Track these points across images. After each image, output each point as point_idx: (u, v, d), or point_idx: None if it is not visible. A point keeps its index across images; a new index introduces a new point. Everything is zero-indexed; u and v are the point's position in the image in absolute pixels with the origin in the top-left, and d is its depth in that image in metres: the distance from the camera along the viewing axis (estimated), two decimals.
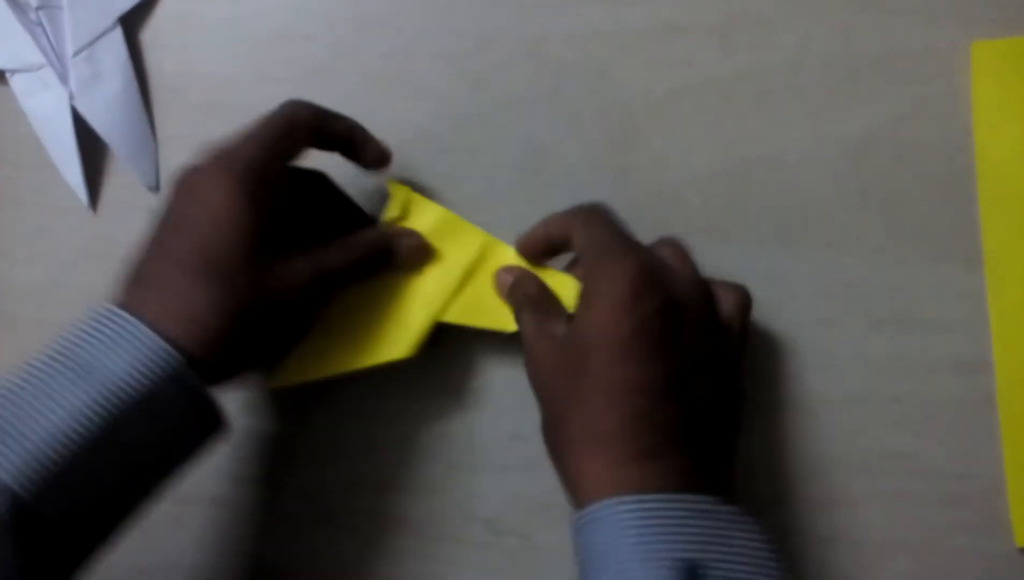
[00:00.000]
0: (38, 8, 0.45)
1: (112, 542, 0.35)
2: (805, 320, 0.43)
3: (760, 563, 0.32)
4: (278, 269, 0.36)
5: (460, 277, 0.42)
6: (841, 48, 0.44)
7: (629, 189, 0.44)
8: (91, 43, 0.45)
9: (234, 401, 0.44)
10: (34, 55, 0.45)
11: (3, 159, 0.47)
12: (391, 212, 0.43)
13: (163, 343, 0.33)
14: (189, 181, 0.37)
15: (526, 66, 0.45)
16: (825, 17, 0.44)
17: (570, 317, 0.37)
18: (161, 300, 0.34)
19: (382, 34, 0.46)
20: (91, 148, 0.46)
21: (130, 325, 0.33)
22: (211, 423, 0.36)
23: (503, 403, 0.43)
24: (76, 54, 0.45)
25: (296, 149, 0.39)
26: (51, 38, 0.45)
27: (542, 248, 0.41)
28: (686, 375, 0.34)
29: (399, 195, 0.43)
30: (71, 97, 0.45)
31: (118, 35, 0.45)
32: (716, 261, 0.43)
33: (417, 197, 0.43)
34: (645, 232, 0.43)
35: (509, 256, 0.43)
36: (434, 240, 0.43)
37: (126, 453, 0.33)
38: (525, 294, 0.40)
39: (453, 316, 0.42)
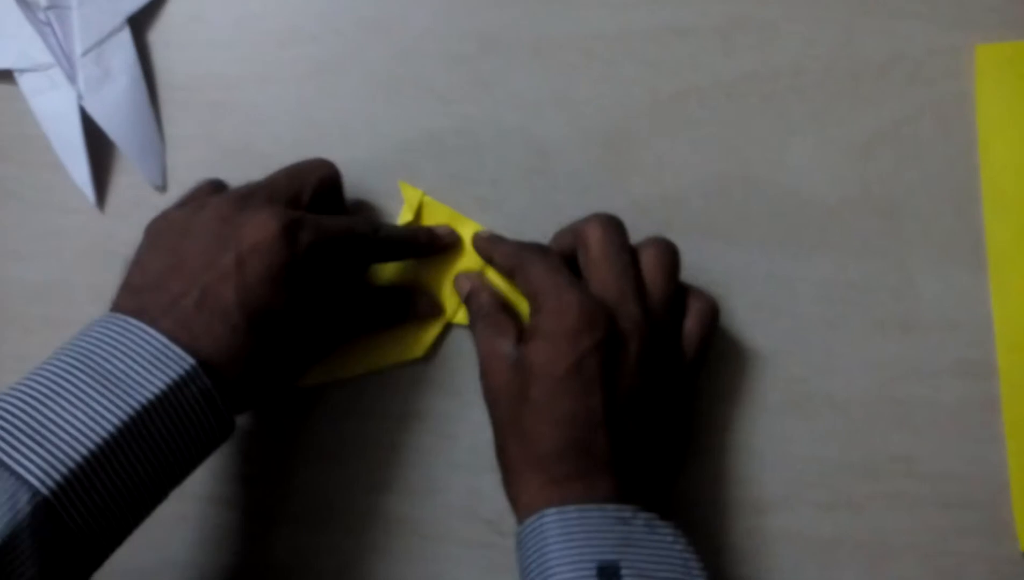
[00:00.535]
0: (47, 8, 0.45)
1: (123, 542, 0.35)
2: (808, 322, 0.43)
3: (674, 564, 0.34)
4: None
5: None
6: (845, 51, 0.44)
7: (632, 190, 0.44)
8: (100, 43, 0.45)
9: None
10: (43, 54, 0.45)
11: (11, 158, 0.47)
12: (405, 215, 0.44)
13: (177, 349, 0.34)
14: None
15: (530, 68, 0.45)
16: (829, 20, 0.44)
17: (522, 334, 0.38)
18: (174, 308, 0.35)
19: (388, 35, 0.46)
20: (99, 147, 0.46)
21: (143, 332, 0.34)
22: (224, 428, 0.36)
23: None
24: (85, 54, 0.45)
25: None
26: (60, 38, 0.46)
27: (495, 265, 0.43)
28: (621, 406, 0.36)
29: (412, 198, 0.44)
30: (79, 97, 0.45)
31: (126, 35, 0.46)
32: (718, 263, 0.43)
33: (429, 200, 0.44)
34: (648, 233, 0.43)
35: None
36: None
37: (145, 456, 0.33)
38: (479, 306, 0.41)
39: (462, 317, 0.43)
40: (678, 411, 0.39)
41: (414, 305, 0.43)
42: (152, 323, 0.35)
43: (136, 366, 0.33)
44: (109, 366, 0.33)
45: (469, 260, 0.44)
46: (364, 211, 0.45)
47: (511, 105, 0.45)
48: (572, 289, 0.37)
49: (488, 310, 0.41)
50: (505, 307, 0.41)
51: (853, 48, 0.44)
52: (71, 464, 0.31)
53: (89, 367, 0.33)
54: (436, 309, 0.43)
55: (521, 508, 0.36)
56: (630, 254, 0.39)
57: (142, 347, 0.34)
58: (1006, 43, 0.43)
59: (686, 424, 0.40)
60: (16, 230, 0.47)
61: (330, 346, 0.42)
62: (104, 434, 0.32)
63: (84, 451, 0.31)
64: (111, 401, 0.32)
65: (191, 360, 0.34)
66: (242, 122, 0.46)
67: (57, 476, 0.31)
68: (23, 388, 0.33)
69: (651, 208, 0.44)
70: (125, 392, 0.33)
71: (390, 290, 0.44)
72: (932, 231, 0.43)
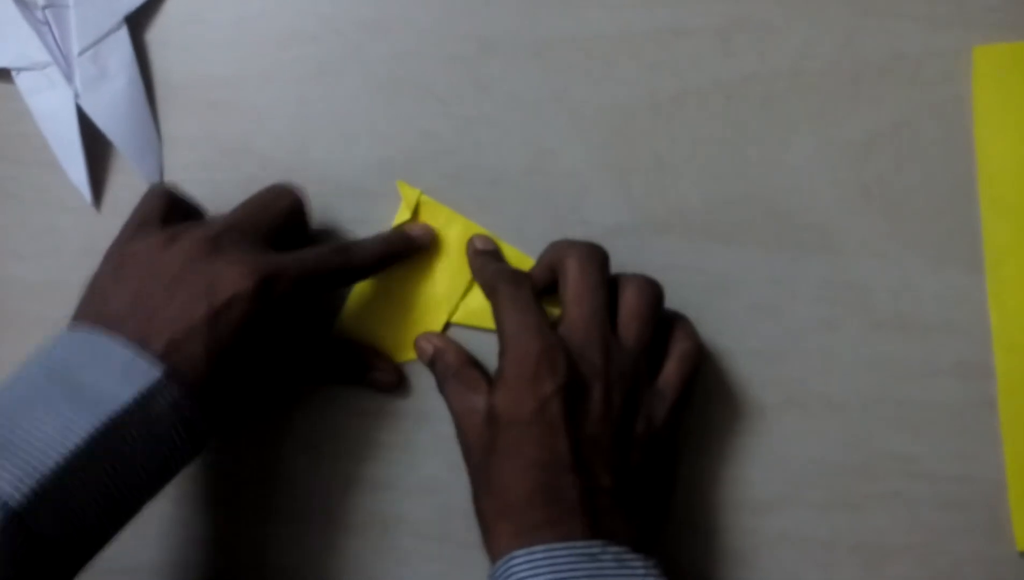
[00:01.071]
0: (44, 7, 0.45)
1: (98, 553, 0.34)
2: (806, 323, 0.43)
3: None
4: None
5: (469, 278, 0.43)
6: (843, 52, 0.44)
7: (632, 191, 0.44)
8: (97, 42, 0.45)
9: None
10: (40, 53, 0.45)
11: (8, 157, 0.47)
12: (402, 215, 0.44)
13: (144, 360, 0.34)
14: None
15: (530, 69, 0.45)
16: (827, 21, 0.44)
17: (491, 385, 0.39)
18: (147, 319, 0.35)
19: (387, 36, 0.46)
20: (96, 147, 0.46)
21: (111, 343, 0.34)
22: (196, 440, 0.36)
23: None
24: (82, 53, 0.45)
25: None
26: (57, 37, 0.45)
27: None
28: (587, 451, 0.36)
29: (409, 197, 0.44)
30: (76, 96, 0.45)
31: (124, 34, 0.46)
32: (717, 263, 0.43)
33: (427, 200, 0.44)
34: (647, 234, 0.44)
35: (514, 259, 0.43)
36: (444, 241, 0.44)
37: (116, 468, 0.33)
38: (446, 366, 0.41)
39: (460, 317, 0.43)
40: (655, 458, 0.38)
41: (372, 370, 0.43)
42: (113, 330, 0.35)
43: (105, 377, 0.33)
44: (78, 378, 0.33)
45: (462, 258, 0.44)
46: (331, 237, 0.45)
47: (510, 106, 0.45)
48: (536, 334, 0.37)
49: (456, 368, 0.41)
50: (472, 362, 0.42)
51: (852, 49, 0.44)
52: (40, 476, 0.31)
53: (57, 379, 0.33)
54: (394, 378, 0.43)
55: (495, 556, 0.36)
56: (605, 294, 0.39)
57: (110, 359, 0.34)
58: (1004, 44, 0.43)
59: (667, 471, 0.39)
60: (13, 229, 0.46)
61: (293, 377, 0.43)
62: (72, 446, 0.32)
63: (53, 463, 0.31)
64: (79, 413, 0.32)
65: (159, 371, 0.34)
66: (240, 122, 0.46)
67: (26, 488, 0.31)
68: None
69: (650, 209, 0.44)
70: (94, 403, 0.33)
71: (349, 349, 0.43)
72: (930, 232, 0.43)
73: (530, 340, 0.37)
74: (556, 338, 0.37)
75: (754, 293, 0.43)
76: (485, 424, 0.38)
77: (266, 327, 0.37)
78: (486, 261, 0.42)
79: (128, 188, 0.46)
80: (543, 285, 0.41)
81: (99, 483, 0.32)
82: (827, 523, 0.42)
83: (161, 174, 0.46)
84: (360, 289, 0.44)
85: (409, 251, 0.43)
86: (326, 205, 0.45)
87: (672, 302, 0.41)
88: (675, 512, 0.41)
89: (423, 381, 0.44)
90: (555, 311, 0.41)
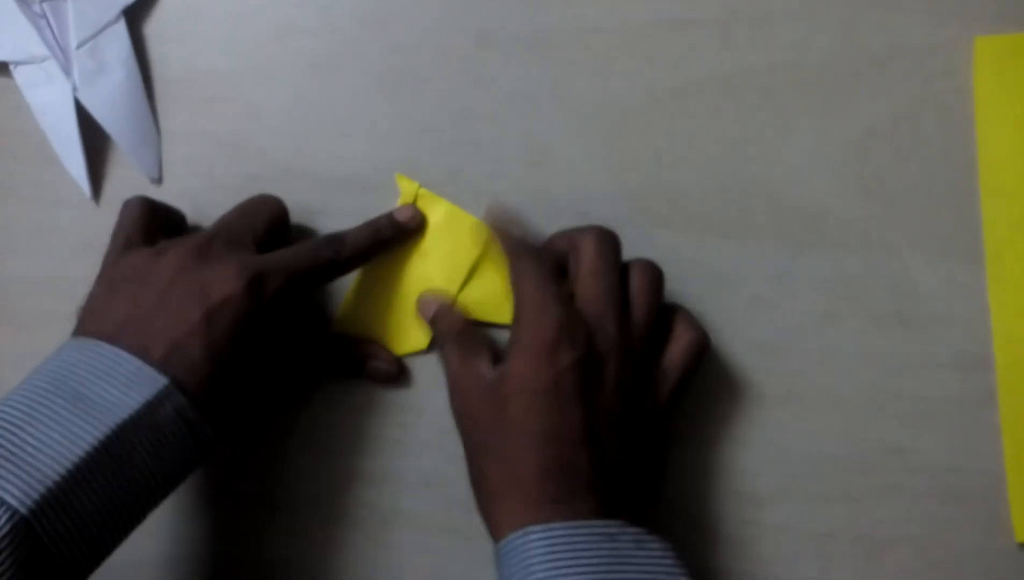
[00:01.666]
0: (42, 0, 0.45)
1: (104, 560, 0.35)
2: (806, 316, 0.43)
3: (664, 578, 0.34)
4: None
5: (467, 271, 0.43)
6: (843, 44, 0.44)
7: (630, 185, 0.44)
8: (95, 36, 0.45)
9: None
10: (38, 47, 0.45)
11: (6, 152, 0.47)
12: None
13: (150, 369, 0.34)
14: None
15: (528, 62, 0.45)
16: (827, 13, 0.44)
17: (496, 353, 0.38)
18: (144, 329, 0.36)
19: (385, 30, 0.46)
20: (94, 141, 0.46)
21: (116, 354, 0.34)
22: (202, 448, 0.36)
23: None
24: (80, 46, 0.45)
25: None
26: (55, 30, 0.45)
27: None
28: (601, 425, 0.36)
29: (408, 190, 0.44)
30: (75, 90, 0.45)
31: (122, 28, 0.46)
32: (716, 258, 0.43)
33: (425, 192, 0.44)
34: (647, 228, 0.43)
35: None
36: (442, 234, 0.44)
37: (123, 476, 0.33)
38: (448, 326, 0.41)
39: (464, 297, 0.43)
40: (654, 437, 0.38)
41: (371, 360, 0.43)
42: (116, 342, 0.35)
43: (110, 387, 0.34)
44: (83, 389, 0.34)
45: (466, 245, 0.43)
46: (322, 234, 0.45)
47: (509, 100, 0.45)
48: (555, 305, 0.37)
49: (458, 330, 0.40)
50: (475, 325, 0.41)
51: (851, 42, 0.44)
52: (49, 483, 0.31)
53: (64, 389, 0.34)
54: (393, 367, 0.43)
55: (504, 527, 0.35)
56: (619, 273, 0.39)
57: (115, 369, 0.34)
58: (1005, 36, 0.43)
59: (661, 452, 0.39)
60: (11, 224, 0.46)
61: (292, 375, 0.43)
62: (81, 454, 0.32)
63: (62, 470, 0.32)
64: (87, 422, 0.33)
65: (165, 379, 0.34)
66: (238, 116, 0.46)
67: (35, 495, 0.31)
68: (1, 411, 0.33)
69: (649, 203, 0.44)
70: (101, 412, 0.33)
71: (347, 343, 0.43)
72: (930, 225, 0.43)
73: (550, 310, 0.37)
74: (575, 310, 0.37)
75: (753, 287, 0.43)
76: (491, 391, 0.37)
77: (261, 326, 0.37)
78: (505, 230, 0.41)
79: (127, 182, 0.46)
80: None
81: (106, 491, 0.33)
82: (826, 515, 0.42)
83: (159, 168, 0.46)
84: (357, 284, 0.44)
85: (399, 236, 0.43)
86: (324, 199, 0.45)
87: (671, 296, 0.41)
88: (674, 503, 0.42)
89: (423, 375, 0.44)
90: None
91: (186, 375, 0.35)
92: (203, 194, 0.43)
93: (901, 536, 0.41)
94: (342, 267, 0.41)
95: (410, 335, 0.43)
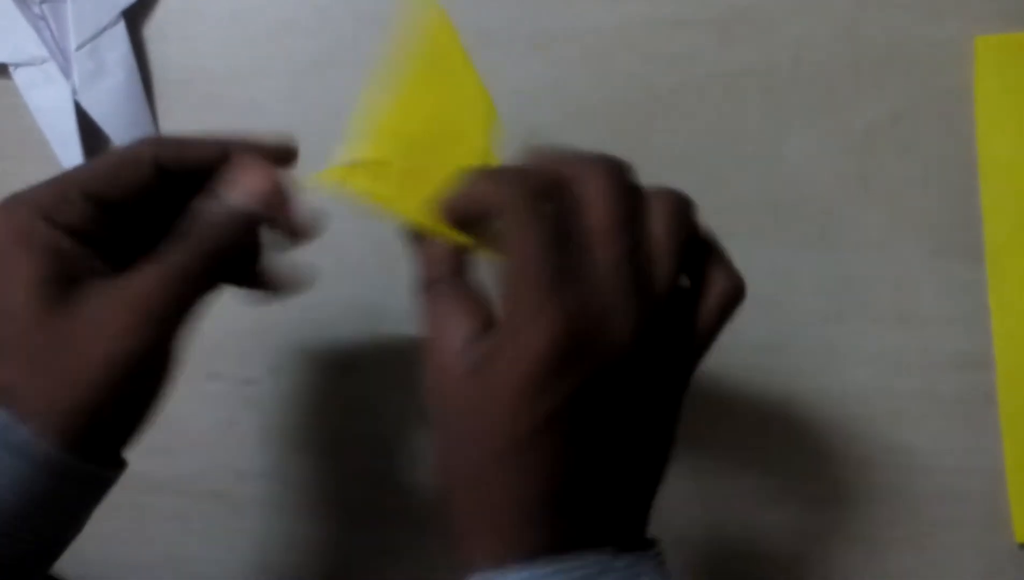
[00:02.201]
0: (42, 2, 0.45)
1: None
2: (806, 315, 0.43)
3: None
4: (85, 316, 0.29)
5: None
6: (844, 42, 0.43)
7: None
8: (94, 37, 0.45)
9: (237, 397, 0.44)
10: (38, 49, 0.45)
11: (6, 153, 0.47)
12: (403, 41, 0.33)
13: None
14: None
15: (528, 61, 0.45)
16: (827, 11, 0.44)
17: (488, 318, 0.28)
18: None
19: (384, 29, 0.46)
20: (94, 142, 0.46)
21: None
22: (85, 478, 0.31)
23: None
24: (79, 48, 0.45)
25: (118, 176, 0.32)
26: (54, 32, 0.45)
27: (464, 216, 0.30)
28: (600, 450, 0.28)
29: (419, 15, 0.33)
30: (74, 91, 0.45)
31: (121, 29, 0.46)
32: None
33: (446, 22, 0.33)
34: None
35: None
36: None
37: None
38: (434, 266, 0.30)
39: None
40: (667, 415, 0.30)
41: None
42: None
43: None
44: None
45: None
46: None
47: (508, 98, 0.45)
48: (554, 304, 0.27)
49: (448, 275, 0.30)
50: (468, 276, 0.30)
51: (852, 40, 0.43)
52: None
53: None
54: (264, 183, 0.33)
55: (475, 557, 0.28)
56: (641, 223, 0.29)
57: None
58: (1005, 35, 0.43)
59: (671, 429, 0.31)
60: None
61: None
62: None
63: None
64: None
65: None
66: (238, 116, 0.46)
67: None
68: None
69: None
70: None
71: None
72: (930, 223, 0.43)
73: (548, 315, 0.26)
74: (584, 306, 0.27)
75: (753, 286, 0.43)
76: (469, 373, 0.28)
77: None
78: (490, 176, 0.30)
79: None
80: None
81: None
82: (826, 515, 0.42)
83: None
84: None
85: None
86: (324, 198, 0.45)
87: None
88: (673, 503, 0.42)
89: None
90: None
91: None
92: None
93: (901, 536, 0.41)
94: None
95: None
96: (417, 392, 0.43)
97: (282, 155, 0.34)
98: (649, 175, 0.44)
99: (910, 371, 0.42)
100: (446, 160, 0.31)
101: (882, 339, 0.42)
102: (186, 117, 0.46)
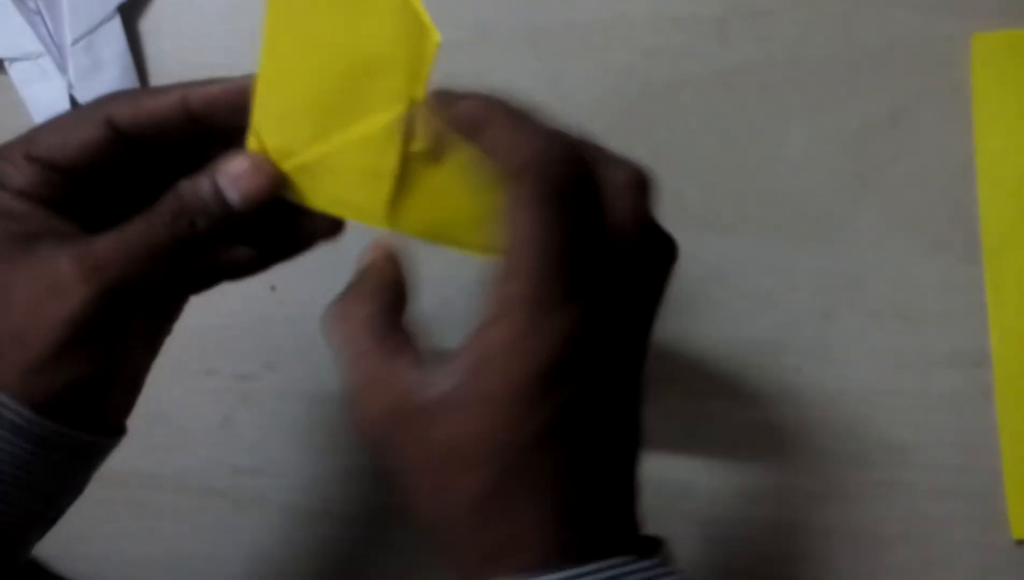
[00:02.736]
0: None
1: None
2: (803, 312, 0.43)
3: None
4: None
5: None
6: (841, 40, 0.43)
7: None
8: (90, 32, 0.45)
9: (235, 393, 0.44)
10: (33, 44, 0.45)
11: None
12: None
13: None
14: None
15: (525, 57, 0.45)
16: (825, 8, 0.44)
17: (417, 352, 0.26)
18: None
19: None
20: None
21: None
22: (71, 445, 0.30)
23: None
24: (75, 43, 0.45)
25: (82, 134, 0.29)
26: (50, 27, 0.45)
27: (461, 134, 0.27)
28: (607, 443, 0.26)
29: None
30: (70, 86, 0.45)
31: (117, 24, 0.45)
32: (714, 253, 0.43)
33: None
34: None
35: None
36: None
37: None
38: (377, 286, 0.28)
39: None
40: (638, 390, 0.27)
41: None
42: None
43: None
44: None
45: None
46: None
47: (505, 93, 0.45)
48: (571, 298, 0.24)
49: (379, 303, 0.27)
50: (404, 299, 0.28)
51: (850, 37, 0.43)
52: None
53: None
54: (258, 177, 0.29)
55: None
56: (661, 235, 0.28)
57: None
58: (1003, 32, 0.43)
59: (641, 406, 0.28)
60: None
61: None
62: None
63: None
64: None
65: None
66: None
67: None
68: None
69: None
70: None
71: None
72: (927, 221, 0.43)
73: (560, 312, 0.24)
74: (594, 304, 0.25)
75: (750, 283, 0.43)
76: (441, 398, 0.25)
77: None
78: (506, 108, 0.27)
79: None
80: None
81: None
82: (824, 512, 0.42)
83: None
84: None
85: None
86: None
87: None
88: (672, 501, 0.42)
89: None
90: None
91: None
92: None
93: (899, 533, 0.41)
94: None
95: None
96: None
97: (243, 94, 0.31)
98: None
99: (907, 368, 0.42)
100: (365, 112, 0.26)
101: (880, 336, 0.42)
102: None
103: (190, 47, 0.46)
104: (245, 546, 0.43)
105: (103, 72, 0.45)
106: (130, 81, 0.45)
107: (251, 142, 0.29)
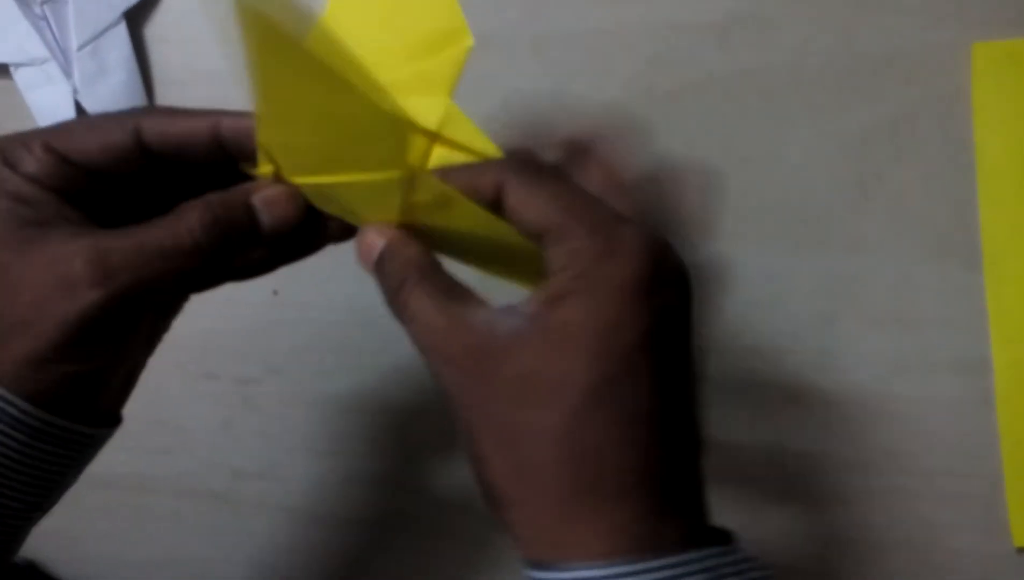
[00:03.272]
0: (43, 2, 0.45)
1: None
2: (804, 318, 0.43)
3: None
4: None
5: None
6: (842, 47, 0.44)
7: None
8: (96, 37, 0.45)
9: (236, 397, 0.44)
10: (39, 49, 0.45)
11: None
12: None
13: None
14: None
15: (528, 64, 0.45)
16: (826, 16, 0.44)
17: (479, 301, 0.26)
18: None
19: None
20: None
21: None
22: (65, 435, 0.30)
23: None
24: (80, 48, 0.45)
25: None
26: (56, 32, 0.45)
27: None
28: (692, 394, 0.27)
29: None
30: (75, 91, 0.45)
31: (123, 30, 0.46)
32: (715, 259, 0.43)
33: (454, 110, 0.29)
34: None
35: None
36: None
37: None
38: (407, 263, 0.28)
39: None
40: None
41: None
42: None
43: None
44: None
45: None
46: None
47: (508, 101, 0.45)
48: (639, 222, 0.26)
49: (426, 267, 0.27)
50: (443, 267, 0.28)
51: (850, 45, 0.44)
52: None
53: None
54: (286, 204, 0.30)
55: (558, 550, 0.25)
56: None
57: None
58: (1003, 41, 0.43)
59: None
60: None
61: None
62: None
63: None
64: None
65: None
66: None
67: None
68: None
69: None
70: None
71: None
72: (928, 227, 0.43)
73: (633, 226, 0.25)
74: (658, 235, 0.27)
75: (751, 288, 0.43)
76: (513, 339, 0.25)
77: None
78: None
79: None
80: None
81: None
82: (824, 518, 0.42)
83: None
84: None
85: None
86: None
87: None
88: None
89: (422, 375, 0.44)
90: None
91: None
92: None
93: (899, 539, 0.41)
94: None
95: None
96: (410, 392, 0.44)
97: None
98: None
99: (908, 374, 0.42)
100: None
101: (880, 342, 0.42)
102: None
103: (195, 53, 0.46)
104: (245, 549, 0.43)
105: (108, 77, 0.45)
106: (135, 87, 0.46)
107: (262, 160, 0.29)
